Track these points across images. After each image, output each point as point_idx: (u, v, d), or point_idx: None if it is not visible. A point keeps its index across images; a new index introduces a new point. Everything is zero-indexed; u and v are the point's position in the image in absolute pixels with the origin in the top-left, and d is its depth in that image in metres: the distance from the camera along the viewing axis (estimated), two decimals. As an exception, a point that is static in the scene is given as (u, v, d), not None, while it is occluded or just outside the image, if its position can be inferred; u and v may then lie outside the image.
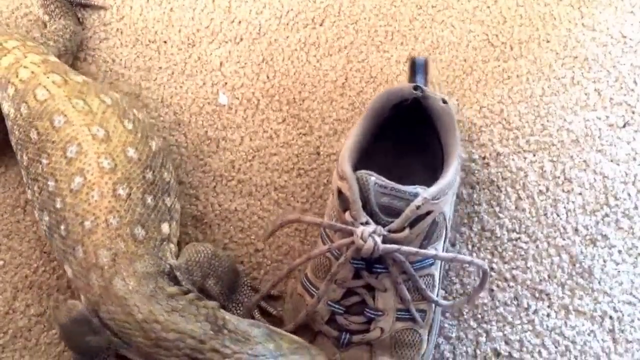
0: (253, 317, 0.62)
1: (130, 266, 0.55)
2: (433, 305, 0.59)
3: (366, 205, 0.55)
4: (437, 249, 0.59)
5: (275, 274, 0.65)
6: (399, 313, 0.57)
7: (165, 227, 0.59)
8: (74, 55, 0.70)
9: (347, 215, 0.56)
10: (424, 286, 0.57)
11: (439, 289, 0.61)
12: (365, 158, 0.61)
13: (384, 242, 0.54)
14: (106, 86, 0.66)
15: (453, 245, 0.66)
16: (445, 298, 0.64)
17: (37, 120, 0.60)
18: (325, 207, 0.64)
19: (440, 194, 0.56)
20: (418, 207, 0.55)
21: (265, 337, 0.53)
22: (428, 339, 0.59)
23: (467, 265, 0.62)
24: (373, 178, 0.55)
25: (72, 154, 0.58)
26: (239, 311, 0.62)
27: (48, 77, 0.61)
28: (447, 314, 0.64)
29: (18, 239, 0.67)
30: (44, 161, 0.59)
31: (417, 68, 0.64)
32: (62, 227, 0.57)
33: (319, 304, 0.57)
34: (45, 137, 0.59)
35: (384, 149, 0.64)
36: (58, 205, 0.57)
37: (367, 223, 0.55)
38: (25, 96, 0.61)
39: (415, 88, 0.61)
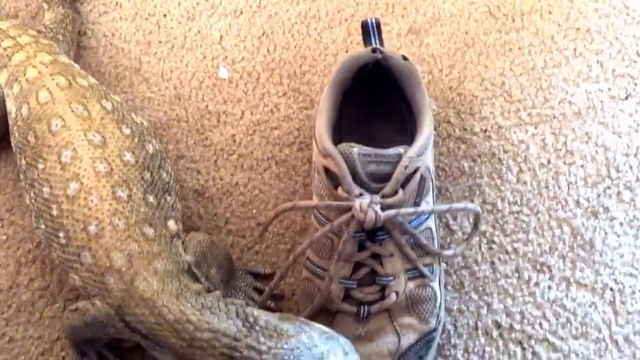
0: (268, 308, 0.61)
1: (150, 265, 0.54)
2: (437, 256, 0.60)
3: (355, 177, 0.55)
4: (429, 201, 0.60)
5: (279, 265, 0.65)
6: (408, 273, 0.58)
7: (172, 224, 0.58)
8: (75, 42, 0.70)
9: (339, 191, 0.56)
10: (426, 241, 0.58)
11: (438, 240, 0.61)
12: (336, 131, 0.61)
13: (382, 209, 0.54)
14: (109, 90, 0.65)
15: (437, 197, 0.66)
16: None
17: (35, 122, 0.59)
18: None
19: (422, 150, 0.57)
20: (406, 167, 0.55)
21: (297, 329, 0.52)
22: (440, 289, 0.60)
23: (462, 211, 0.62)
24: (355, 149, 0.56)
25: (67, 159, 0.57)
26: (237, 296, 0.62)
27: (53, 79, 0.61)
28: (449, 286, 0.64)
29: (20, 213, 0.67)
30: (40, 166, 0.58)
31: (369, 30, 0.63)
32: (61, 234, 0.56)
33: (331, 284, 0.57)
34: (41, 140, 0.58)
35: (350, 118, 0.64)
36: (54, 213, 0.56)
37: (361, 195, 0.55)
38: (28, 97, 0.61)
39: (374, 51, 0.61)
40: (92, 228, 0.55)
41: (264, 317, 0.53)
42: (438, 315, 0.60)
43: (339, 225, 0.56)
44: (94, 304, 0.55)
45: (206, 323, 0.52)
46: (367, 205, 0.54)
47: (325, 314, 0.58)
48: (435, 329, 0.59)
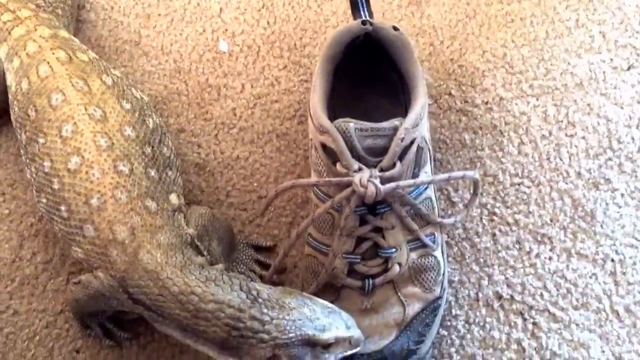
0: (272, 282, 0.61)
1: (153, 238, 0.54)
2: (438, 225, 0.60)
3: (352, 152, 0.55)
4: (427, 171, 0.60)
5: (282, 241, 0.66)
6: (410, 244, 0.58)
7: (174, 198, 0.58)
8: (74, 16, 0.69)
9: (338, 166, 0.56)
10: (426, 211, 0.58)
11: (438, 209, 0.62)
12: (329, 106, 0.61)
13: (381, 182, 0.55)
14: (110, 65, 0.65)
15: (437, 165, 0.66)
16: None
17: (35, 97, 0.59)
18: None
19: (418, 120, 0.57)
20: (402, 139, 0.55)
21: (299, 303, 0.53)
22: (443, 257, 0.61)
23: (461, 179, 0.62)
24: (352, 124, 0.56)
25: (68, 133, 0.57)
26: (239, 269, 0.63)
27: (54, 54, 0.61)
28: (450, 258, 0.64)
29: (22, 187, 0.67)
30: (40, 140, 0.58)
31: (357, 2, 0.63)
32: (63, 208, 0.56)
33: (335, 260, 0.57)
34: (42, 115, 0.58)
35: (343, 93, 0.64)
36: (55, 186, 0.57)
37: (360, 169, 0.55)
38: (28, 71, 0.60)
39: (364, 23, 0.61)
40: (94, 201, 0.55)
41: (266, 290, 0.54)
42: (442, 283, 0.60)
43: (339, 201, 0.56)
44: (97, 277, 0.56)
45: (211, 295, 0.52)
46: (366, 180, 0.54)
47: (330, 290, 0.59)
48: (440, 297, 0.60)
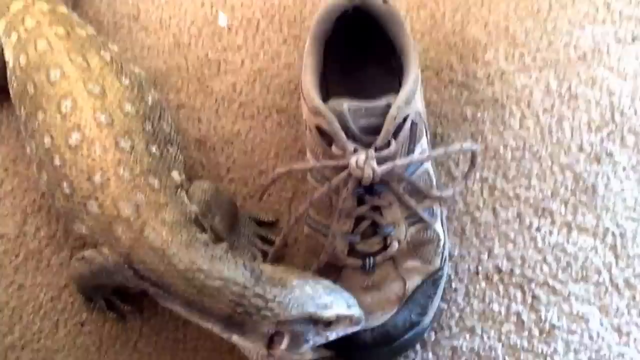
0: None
1: (158, 216, 0.55)
2: (437, 199, 0.60)
3: (347, 132, 0.55)
4: (423, 145, 0.60)
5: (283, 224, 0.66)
6: (408, 219, 0.58)
7: (176, 175, 0.58)
8: None
9: (333, 148, 0.56)
10: (424, 186, 0.58)
11: (437, 180, 0.62)
12: (322, 82, 0.60)
13: (377, 163, 0.54)
14: (107, 40, 0.64)
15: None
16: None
17: (34, 72, 0.59)
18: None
19: (410, 96, 0.56)
20: (395, 118, 0.55)
21: (301, 281, 0.54)
22: (443, 229, 0.61)
23: (458, 152, 0.61)
24: (345, 105, 0.55)
25: (67, 109, 0.57)
26: (241, 243, 0.63)
27: (52, 29, 0.60)
28: (450, 233, 0.64)
29: (24, 163, 0.67)
30: (40, 116, 0.58)
31: None
32: (65, 184, 0.57)
33: (335, 241, 0.58)
34: (40, 90, 0.58)
35: (335, 69, 0.64)
36: (57, 163, 0.57)
37: (355, 151, 0.55)
38: (26, 46, 0.60)
39: None
40: (96, 178, 0.55)
41: (269, 269, 0.54)
42: (442, 254, 0.60)
43: (336, 184, 0.56)
44: (101, 253, 0.56)
45: (217, 272, 0.53)
46: (363, 162, 0.54)
47: (331, 270, 0.59)
48: (441, 268, 0.60)
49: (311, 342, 0.53)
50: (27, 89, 0.59)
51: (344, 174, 0.55)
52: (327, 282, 0.55)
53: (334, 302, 0.53)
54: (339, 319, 0.53)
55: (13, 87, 0.62)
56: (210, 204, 0.60)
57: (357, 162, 0.54)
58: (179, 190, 0.58)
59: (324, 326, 0.53)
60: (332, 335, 0.54)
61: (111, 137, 0.56)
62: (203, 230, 0.57)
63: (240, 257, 0.55)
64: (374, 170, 0.54)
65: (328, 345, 0.56)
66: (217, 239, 0.58)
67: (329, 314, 0.53)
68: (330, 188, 0.56)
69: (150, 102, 0.60)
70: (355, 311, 0.54)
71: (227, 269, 0.53)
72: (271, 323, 0.52)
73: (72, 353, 0.63)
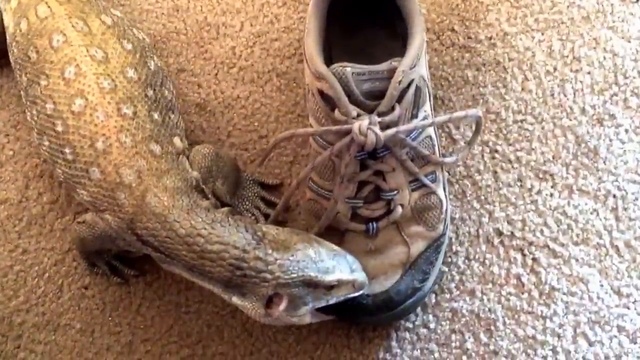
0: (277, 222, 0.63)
1: (159, 182, 0.55)
2: (439, 165, 0.60)
3: (350, 97, 0.55)
4: (427, 110, 0.59)
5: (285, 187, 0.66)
6: (411, 185, 0.58)
7: (177, 141, 0.59)
8: None
9: (336, 113, 0.55)
10: (427, 152, 0.58)
11: (439, 145, 0.62)
12: (325, 46, 0.60)
13: (380, 128, 0.54)
14: (109, 4, 0.64)
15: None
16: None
17: (36, 38, 0.59)
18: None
19: (415, 60, 0.56)
20: (400, 82, 0.55)
21: (305, 244, 0.54)
22: (445, 194, 0.61)
23: (463, 119, 0.61)
24: (349, 69, 0.55)
25: (71, 75, 0.57)
26: (244, 206, 0.63)
27: None
28: (451, 195, 0.64)
29: (26, 129, 0.68)
30: (42, 83, 0.58)
31: None
32: (67, 150, 0.57)
33: (337, 205, 0.58)
34: (43, 56, 0.58)
35: (338, 32, 0.63)
36: (59, 128, 0.57)
37: (358, 116, 0.54)
38: (26, 11, 0.60)
39: None
40: (99, 144, 0.56)
41: (273, 231, 0.54)
42: (445, 220, 0.60)
43: (339, 149, 0.56)
44: (104, 219, 0.57)
45: (216, 236, 0.53)
46: (366, 128, 0.54)
47: (334, 234, 0.59)
48: (443, 234, 0.60)
49: (310, 305, 0.54)
50: (29, 55, 0.59)
51: (346, 139, 0.55)
52: (331, 245, 0.55)
53: (337, 266, 0.53)
54: (340, 284, 0.53)
55: (13, 52, 0.61)
56: (211, 169, 0.60)
57: (360, 127, 0.54)
58: (181, 156, 0.58)
59: (325, 290, 0.53)
60: (332, 299, 0.54)
61: (114, 103, 0.56)
62: (204, 196, 0.57)
63: (242, 221, 0.55)
64: (377, 136, 0.54)
65: (329, 311, 0.56)
66: (220, 203, 0.59)
67: (330, 278, 0.53)
68: (332, 152, 0.56)
69: (152, 68, 0.60)
70: (359, 276, 0.54)
71: (228, 233, 0.54)
72: (270, 285, 0.53)
73: (76, 316, 0.64)
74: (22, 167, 0.67)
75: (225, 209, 0.57)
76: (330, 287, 0.53)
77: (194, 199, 0.55)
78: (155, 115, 0.58)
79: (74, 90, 0.57)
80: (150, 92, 0.59)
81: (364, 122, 0.54)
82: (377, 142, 0.54)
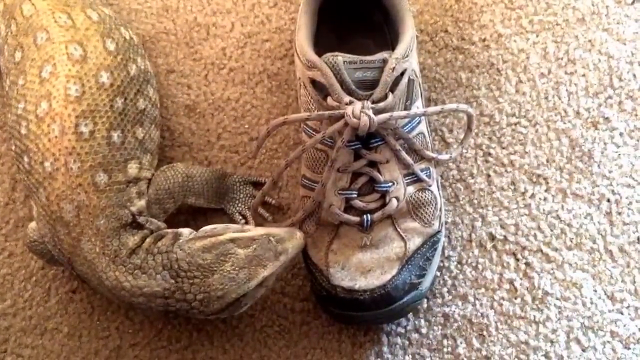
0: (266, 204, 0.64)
1: (94, 224, 0.54)
2: (433, 161, 0.60)
3: (342, 86, 0.55)
4: (419, 106, 0.59)
5: (273, 169, 0.65)
6: (406, 178, 0.58)
7: (132, 168, 0.57)
8: None
9: (329, 101, 0.55)
10: (420, 146, 0.58)
11: (431, 144, 0.61)
12: (315, 49, 0.59)
13: (374, 114, 0.54)
14: (98, 1, 0.63)
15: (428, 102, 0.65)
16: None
17: (22, 37, 0.58)
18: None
19: (407, 51, 0.56)
20: (393, 69, 0.54)
21: (219, 259, 0.54)
22: (439, 192, 0.61)
23: (454, 112, 0.61)
24: (340, 57, 0.55)
25: (46, 75, 0.55)
26: (236, 208, 0.63)
27: None
28: (444, 199, 0.64)
29: (12, 131, 0.67)
30: (20, 82, 0.56)
31: None
32: (25, 159, 0.55)
33: (324, 190, 0.57)
34: (27, 54, 0.57)
35: (328, 36, 0.63)
36: (23, 131, 0.55)
37: (351, 102, 0.54)
38: (13, 12, 0.59)
39: None
40: (47, 165, 0.54)
41: (186, 258, 0.54)
42: (440, 217, 0.60)
43: (331, 134, 0.55)
44: (47, 244, 0.57)
45: (138, 289, 0.54)
46: (359, 111, 0.53)
47: (328, 228, 0.59)
48: (439, 231, 0.60)
49: (250, 301, 0.56)
50: (15, 55, 0.58)
51: (339, 124, 0.55)
52: (252, 237, 0.54)
53: (259, 264, 0.54)
54: (268, 276, 0.54)
55: (4, 56, 0.60)
56: (173, 191, 0.59)
57: (353, 110, 0.54)
58: (131, 185, 0.56)
59: (255, 288, 0.54)
60: (273, 277, 0.55)
61: (74, 117, 0.54)
62: (138, 226, 0.56)
63: (160, 254, 0.55)
64: (370, 119, 0.53)
65: (325, 307, 0.56)
66: (160, 227, 0.58)
67: (253, 283, 0.54)
68: (324, 136, 0.55)
69: (133, 72, 0.58)
70: (285, 257, 0.54)
71: (147, 283, 0.54)
72: (202, 314, 0.55)
73: (63, 320, 0.63)
74: (8, 169, 0.66)
75: (149, 239, 0.56)
76: (260, 284, 0.54)
77: (123, 241, 0.55)
78: (115, 136, 0.56)
79: (44, 92, 0.55)
80: (119, 103, 0.56)
81: (357, 105, 0.54)
82: (370, 125, 0.54)
